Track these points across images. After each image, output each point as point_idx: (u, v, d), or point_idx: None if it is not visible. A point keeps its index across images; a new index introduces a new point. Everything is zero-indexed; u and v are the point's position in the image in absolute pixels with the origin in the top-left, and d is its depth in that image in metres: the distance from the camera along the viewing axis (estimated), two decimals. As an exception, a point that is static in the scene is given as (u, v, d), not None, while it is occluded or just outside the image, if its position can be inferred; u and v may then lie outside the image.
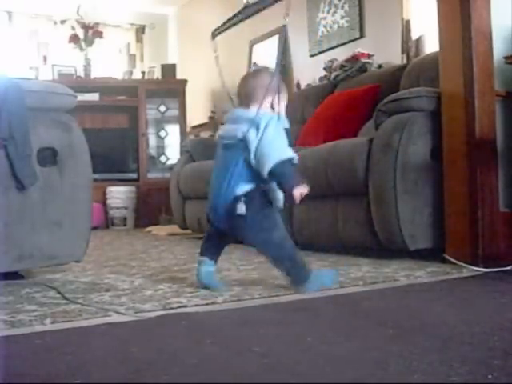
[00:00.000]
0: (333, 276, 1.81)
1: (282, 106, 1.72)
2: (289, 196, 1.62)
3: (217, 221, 1.74)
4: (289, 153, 1.62)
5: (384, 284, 1.87)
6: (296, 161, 1.65)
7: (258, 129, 1.61)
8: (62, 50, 6.25)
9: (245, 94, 1.73)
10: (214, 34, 1.83)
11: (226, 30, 1.93)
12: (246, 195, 1.63)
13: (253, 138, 1.60)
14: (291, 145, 1.68)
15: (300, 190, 1.60)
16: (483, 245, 2.12)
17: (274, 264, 1.73)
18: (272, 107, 1.70)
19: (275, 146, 1.61)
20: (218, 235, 1.81)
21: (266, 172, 1.58)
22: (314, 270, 1.80)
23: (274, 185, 1.66)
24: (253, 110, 1.67)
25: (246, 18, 1.98)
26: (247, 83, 1.76)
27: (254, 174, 1.63)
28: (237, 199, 1.63)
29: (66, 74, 6.09)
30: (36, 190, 1.95)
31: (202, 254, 1.81)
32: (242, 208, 1.62)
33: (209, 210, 1.76)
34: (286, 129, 1.67)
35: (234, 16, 1.95)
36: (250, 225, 1.64)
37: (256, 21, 4.91)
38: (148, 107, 6.17)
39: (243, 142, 1.62)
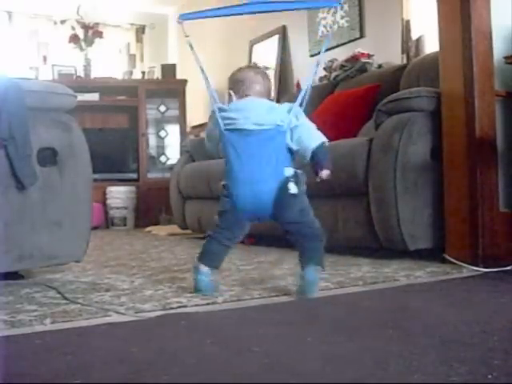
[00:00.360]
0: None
1: None
2: (321, 172, 1.73)
3: (253, 208, 1.73)
4: (323, 137, 1.76)
5: (384, 284, 1.87)
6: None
7: (297, 117, 1.73)
8: (61, 50, 6.25)
9: (267, 86, 1.85)
10: (182, 18, 1.86)
11: (198, 18, 1.93)
12: (295, 177, 1.72)
13: (295, 123, 1.72)
14: None
15: (327, 173, 1.74)
16: (483, 245, 2.12)
17: (311, 246, 1.73)
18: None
19: (314, 131, 1.75)
20: (237, 232, 1.78)
21: (310, 151, 1.71)
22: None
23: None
24: (273, 103, 1.83)
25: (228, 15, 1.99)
26: (267, 77, 1.88)
27: (291, 159, 1.75)
28: (288, 180, 1.71)
29: (66, 74, 6.08)
30: (36, 190, 1.95)
31: (200, 259, 1.76)
32: (294, 188, 1.70)
33: (241, 198, 1.72)
34: None
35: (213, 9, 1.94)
36: (299, 204, 1.74)
37: (256, 21, 4.92)
38: (148, 107, 6.16)
39: (281, 129, 1.71)
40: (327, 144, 1.76)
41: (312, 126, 1.76)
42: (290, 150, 1.74)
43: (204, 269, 1.73)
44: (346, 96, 3.44)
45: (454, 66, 2.21)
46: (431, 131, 2.35)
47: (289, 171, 1.72)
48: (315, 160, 1.73)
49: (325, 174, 1.73)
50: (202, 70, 1.87)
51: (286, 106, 1.77)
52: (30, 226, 1.95)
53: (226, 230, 1.76)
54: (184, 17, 1.86)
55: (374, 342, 1.15)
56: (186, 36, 1.85)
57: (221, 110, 1.79)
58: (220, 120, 1.77)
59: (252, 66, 1.99)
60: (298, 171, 1.74)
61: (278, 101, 4.21)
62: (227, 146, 1.74)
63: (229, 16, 2.01)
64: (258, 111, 1.75)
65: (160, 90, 6.17)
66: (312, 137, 1.74)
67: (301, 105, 1.74)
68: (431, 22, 2.65)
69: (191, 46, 1.86)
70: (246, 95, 1.79)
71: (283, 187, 1.70)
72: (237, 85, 1.83)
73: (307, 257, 1.71)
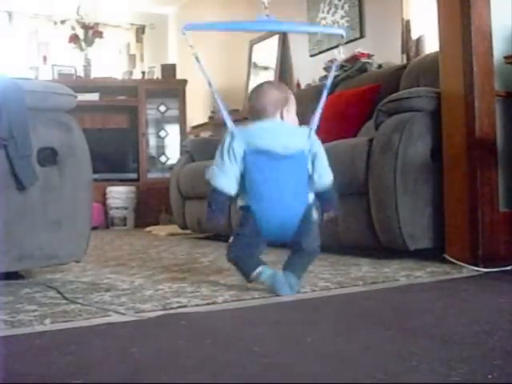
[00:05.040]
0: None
1: (294, 117, 1.84)
2: (327, 212, 1.77)
3: (278, 232, 1.72)
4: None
5: (384, 284, 1.87)
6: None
7: (314, 143, 1.75)
8: (62, 50, 6.25)
9: (272, 103, 1.78)
10: (187, 29, 1.74)
11: (204, 30, 1.87)
12: (315, 203, 1.74)
13: (314, 151, 1.74)
14: None
15: (334, 213, 1.77)
16: (483, 245, 2.12)
17: (304, 261, 1.76)
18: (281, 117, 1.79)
19: (327, 163, 1.77)
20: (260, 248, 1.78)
21: (327, 184, 1.74)
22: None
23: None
24: (292, 125, 1.81)
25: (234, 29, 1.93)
26: (275, 92, 1.80)
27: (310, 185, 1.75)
28: (311, 207, 1.72)
29: (66, 74, 6.09)
30: (36, 190, 1.95)
31: (255, 266, 1.72)
32: (315, 214, 1.73)
33: (268, 222, 1.69)
34: None
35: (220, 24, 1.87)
36: (316, 229, 1.74)
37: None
38: (148, 107, 6.17)
39: (304, 154, 1.72)
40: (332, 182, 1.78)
41: (325, 158, 1.77)
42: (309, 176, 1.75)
43: (262, 268, 1.72)
44: (346, 96, 3.44)
45: (454, 66, 2.21)
46: (431, 131, 2.35)
47: (310, 197, 1.74)
48: (324, 197, 1.75)
49: (333, 213, 1.77)
50: (210, 85, 1.76)
51: (305, 130, 1.77)
52: (30, 225, 1.95)
53: (247, 248, 1.74)
54: (189, 27, 1.74)
55: (374, 341, 1.15)
56: (191, 47, 1.74)
57: (239, 132, 1.73)
58: (242, 141, 1.70)
59: (265, 85, 1.84)
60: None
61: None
62: (252, 168, 1.68)
63: (237, 30, 1.96)
64: (283, 134, 1.74)
65: (160, 89, 6.18)
66: (326, 170, 1.76)
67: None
68: (431, 22, 2.65)
69: (197, 59, 1.76)
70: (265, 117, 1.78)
71: (307, 214, 1.71)
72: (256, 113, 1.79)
73: (295, 267, 1.73)
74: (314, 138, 1.76)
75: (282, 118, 1.79)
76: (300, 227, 1.70)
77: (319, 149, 1.76)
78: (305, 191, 1.72)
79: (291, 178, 1.70)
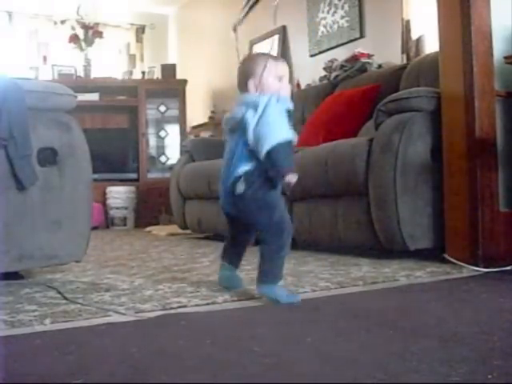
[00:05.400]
0: (290, 298, 1.62)
1: (284, 86, 1.69)
2: (281, 182, 1.60)
3: (224, 205, 1.73)
4: (287, 134, 1.59)
5: (384, 284, 1.87)
6: (295, 143, 1.63)
7: (256, 109, 1.59)
8: (62, 49, 6.25)
9: (241, 77, 1.71)
10: (236, 26, 1.73)
11: (245, 15, 1.84)
12: (246, 174, 1.62)
13: (250, 118, 1.59)
14: (294, 127, 1.66)
15: (291, 178, 1.57)
16: (483, 245, 2.12)
17: (265, 249, 1.64)
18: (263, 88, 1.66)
19: (273, 127, 1.57)
20: (233, 231, 1.79)
21: (262, 154, 1.56)
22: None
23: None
24: (253, 93, 1.66)
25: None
26: (243, 66, 1.74)
27: (254, 155, 1.61)
28: (237, 179, 1.62)
29: (66, 74, 6.08)
30: (36, 190, 1.95)
31: (222, 257, 1.82)
32: (240, 187, 1.61)
33: (219, 196, 1.74)
34: (288, 110, 1.64)
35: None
36: (249, 203, 1.63)
37: (256, 21, 4.92)
38: (148, 107, 6.17)
39: (242, 124, 1.61)
40: (294, 142, 1.61)
41: (271, 122, 1.58)
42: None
43: (225, 264, 1.80)
44: (346, 96, 3.44)
45: (454, 66, 2.21)
46: (431, 131, 2.35)
47: (242, 169, 1.62)
48: (269, 165, 1.58)
49: (288, 182, 1.57)
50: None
51: (259, 98, 1.61)
52: (30, 226, 1.95)
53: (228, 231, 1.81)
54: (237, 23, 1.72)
55: (374, 341, 1.15)
56: (236, 44, 1.74)
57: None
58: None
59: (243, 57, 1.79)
60: (264, 167, 1.59)
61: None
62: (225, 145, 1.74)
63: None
64: (237, 106, 1.67)
65: (160, 89, 6.18)
66: (268, 135, 1.56)
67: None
68: (431, 21, 2.65)
69: (238, 54, 1.74)
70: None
71: (232, 188, 1.63)
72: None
73: (259, 276, 1.63)
74: (263, 102, 1.58)
75: (250, 90, 1.66)
76: (235, 203, 1.65)
77: (265, 115, 1.58)
78: (237, 163, 1.62)
79: (232, 150, 1.65)
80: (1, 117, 1.83)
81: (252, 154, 1.61)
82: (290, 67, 4.91)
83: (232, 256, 1.81)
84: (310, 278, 1.99)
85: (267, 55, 1.73)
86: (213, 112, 5.87)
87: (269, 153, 1.55)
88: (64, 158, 2.06)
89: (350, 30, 4.18)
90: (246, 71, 1.69)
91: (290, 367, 0.99)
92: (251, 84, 1.66)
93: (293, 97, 1.69)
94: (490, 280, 1.90)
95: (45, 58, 6.18)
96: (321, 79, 4.17)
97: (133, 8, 6.74)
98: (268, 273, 1.62)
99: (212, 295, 1.69)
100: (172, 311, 1.50)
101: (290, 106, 1.65)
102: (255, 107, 1.59)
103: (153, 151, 6.32)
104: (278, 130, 1.57)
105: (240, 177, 1.61)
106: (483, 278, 1.94)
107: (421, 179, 2.34)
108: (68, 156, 2.07)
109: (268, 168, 1.58)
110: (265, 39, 5.14)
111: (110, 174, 5.80)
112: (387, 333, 1.21)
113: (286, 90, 1.69)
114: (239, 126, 1.62)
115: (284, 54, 4.93)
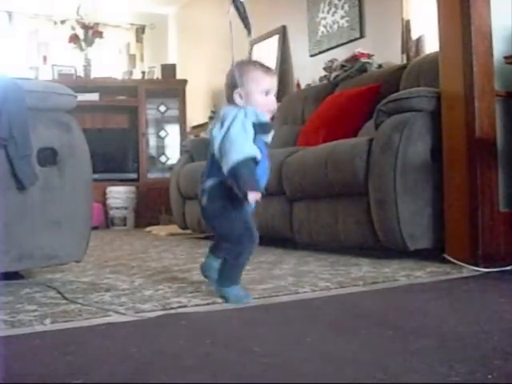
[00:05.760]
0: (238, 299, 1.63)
1: (269, 101, 1.65)
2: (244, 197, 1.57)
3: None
4: (250, 151, 1.55)
5: (384, 284, 1.87)
6: (259, 158, 1.58)
7: (222, 124, 1.58)
8: (61, 49, 6.26)
9: (227, 87, 1.69)
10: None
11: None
12: (210, 189, 1.65)
13: (216, 133, 1.58)
14: (272, 139, 1.67)
15: (252, 196, 1.54)
16: (483, 245, 2.12)
17: (225, 254, 1.66)
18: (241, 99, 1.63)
19: (235, 144, 1.54)
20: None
21: (225, 171, 1.56)
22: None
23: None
24: (239, 104, 1.63)
25: None
26: (229, 76, 1.71)
27: (220, 169, 1.60)
28: (203, 193, 1.67)
29: (66, 74, 6.09)
30: (36, 190, 1.95)
31: (209, 251, 1.85)
32: (203, 200, 1.67)
33: None
34: (262, 123, 1.60)
35: None
36: (210, 216, 1.69)
37: (256, 21, 4.92)
38: (148, 107, 6.17)
39: (211, 138, 1.62)
40: (257, 157, 1.57)
41: (234, 139, 1.55)
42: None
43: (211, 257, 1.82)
44: (346, 96, 3.44)
45: (454, 66, 2.21)
46: (431, 131, 2.35)
47: (208, 183, 1.64)
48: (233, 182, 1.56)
49: (249, 200, 1.54)
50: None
51: (232, 111, 1.59)
52: (30, 226, 1.95)
53: None
54: None
55: (374, 341, 1.15)
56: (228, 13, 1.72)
57: None
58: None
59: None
60: (227, 182, 1.57)
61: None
62: None
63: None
64: (216, 119, 1.65)
65: (160, 89, 6.18)
66: (229, 153, 1.54)
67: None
68: (431, 21, 2.65)
69: (231, 27, 1.77)
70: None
71: (199, 200, 1.69)
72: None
73: (218, 277, 1.67)
74: (230, 117, 1.56)
75: (234, 101, 1.64)
76: (201, 211, 1.70)
77: (230, 130, 1.55)
78: (206, 177, 1.65)
79: (207, 162, 1.68)
80: (1, 117, 1.84)
81: (219, 168, 1.59)
82: (290, 67, 4.91)
83: (213, 245, 1.85)
84: (309, 277, 1.99)
85: (257, 65, 1.69)
86: (213, 112, 5.87)
87: (230, 171, 1.54)
88: (64, 158, 2.06)
89: (350, 30, 4.18)
90: (232, 82, 1.66)
91: (290, 367, 0.99)
92: (236, 95, 1.63)
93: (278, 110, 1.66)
94: (490, 280, 1.90)
95: (45, 58, 6.18)
96: (321, 79, 4.17)
97: (133, 8, 6.74)
98: (225, 277, 1.66)
99: (212, 295, 1.69)
100: (172, 311, 1.50)
101: (263, 118, 1.61)
102: (222, 122, 1.58)
103: (153, 151, 6.32)
104: (239, 147, 1.54)
105: (205, 190, 1.65)
106: (483, 277, 1.94)
107: (421, 179, 2.34)
108: (68, 156, 2.07)
109: (232, 185, 1.57)
110: (265, 39, 5.14)
111: (109, 174, 5.81)
112: (387, 333, 1.21)
113: (271, 104, 1.66)
114: (210, 140, 1.63)
115: (284, 53, 4.93)
